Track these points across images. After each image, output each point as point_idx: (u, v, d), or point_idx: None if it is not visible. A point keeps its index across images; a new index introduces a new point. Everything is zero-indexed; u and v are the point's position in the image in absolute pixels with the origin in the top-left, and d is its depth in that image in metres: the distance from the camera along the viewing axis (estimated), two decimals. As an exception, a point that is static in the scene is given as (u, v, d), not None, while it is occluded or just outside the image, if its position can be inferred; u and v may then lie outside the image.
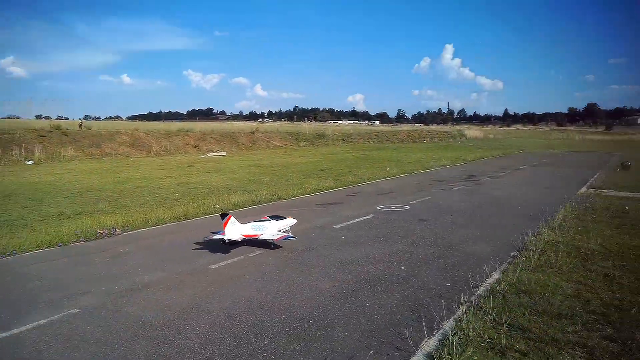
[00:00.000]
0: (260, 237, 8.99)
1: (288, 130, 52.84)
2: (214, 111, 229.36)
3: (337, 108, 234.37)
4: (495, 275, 6.98)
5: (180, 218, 12.22)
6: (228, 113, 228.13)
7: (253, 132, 46.50)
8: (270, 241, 8.95)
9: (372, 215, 12.35)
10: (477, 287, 6.48)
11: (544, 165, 28.69)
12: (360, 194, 16.51)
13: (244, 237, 8.85)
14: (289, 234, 9.28)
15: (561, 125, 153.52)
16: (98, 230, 10.28)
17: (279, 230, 9.18)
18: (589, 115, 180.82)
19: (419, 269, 7.49)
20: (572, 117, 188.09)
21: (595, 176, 21.21)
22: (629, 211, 11.66)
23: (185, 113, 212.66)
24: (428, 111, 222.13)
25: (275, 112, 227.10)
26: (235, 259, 8.30)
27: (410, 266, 7.62)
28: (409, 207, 13.58)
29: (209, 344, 5.01)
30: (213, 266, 7.93)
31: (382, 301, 6.13)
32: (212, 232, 9.64)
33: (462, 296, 5.86)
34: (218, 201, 14.62)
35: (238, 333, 5.26)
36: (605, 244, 8.31)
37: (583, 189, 16.63)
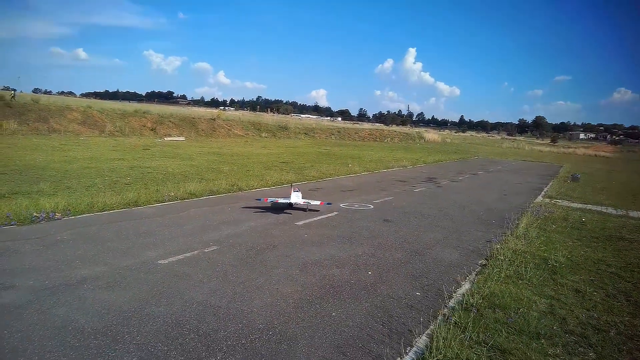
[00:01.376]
0: (311, 204, 11.94)
1: (250, 120, 51.29)
2: (174, 95, 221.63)
3: (300, 102, 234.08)
4: (467, 286, 6.68)
5: (130, 204, 11.19)
6: (189, 98, 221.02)
7: (214, 119, 44.68)
8: (315, 208, 12.01)
9: (335, 213, 11.86)
10: (449, 297, 6.12)
11: (499, 172, 29.56)
12: (323, 190, 15.99)
13: (304, 203, 11.92)
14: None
15: (511, 135, 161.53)
16: (34, 213, 9.08)
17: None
18: (537, 127, 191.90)
19: (387, 274, 7.05)
20: (521, 127, 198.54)
21: (548, 186, 21.99)
22: (585, 223, 11.92)
23: (143, 94, 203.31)
24: (388, 112, 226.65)
25: (238, 101, 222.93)
26: (187, 254, 7.51)
27: (378, 271, 7.18)
28: (372, 206, 13.23)
29: (152, 358, 4.28)
30: (162, 261, 7.11)
31: (350, 311, 5.61)
32: (272, 200, 12.17)
33: (435, 308, 5.47)
34: (173, 188, 13.61)
35: (187, 345, 4.55)
36: (571, 257, 8.27)
37: (539, 198, 17.06)
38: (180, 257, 7.40)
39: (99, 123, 34.32)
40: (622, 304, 6.12)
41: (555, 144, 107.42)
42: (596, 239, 10.21)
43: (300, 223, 10.45)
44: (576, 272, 7.41)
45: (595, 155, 70.54)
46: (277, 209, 11.88)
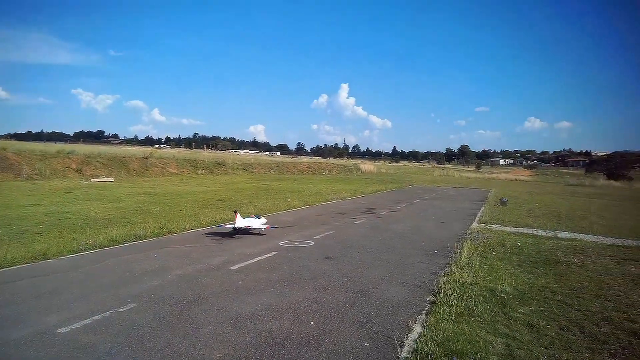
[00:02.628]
0: (254, 227, 13.49)
1: (186, 157, 49.10)
2: (105, 134, 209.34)
3: (238, 137, 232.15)
4: (418, 329, 6.11)
5: (36, 258, 9.67)
6: (121, 137, 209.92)
7: (146, 157, 42.09)
8: (259, 230, 13.64)
9: (274, 252, 11.00)
10: (400, 346, 5.50)
11: (434, 199, 30.42)
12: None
13: (246, 226, 13.31)
14: (273, 225, 14.30)
15: (440, 163, 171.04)
16: None
17: (264, 224, 13.81)
18: (462, 155, 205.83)
19: (331, 323, 6.29)
20: (449, 156, 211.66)
21: (481, 211, 22.79)
22: (522, 247, 12.11)
23: (71, 134, 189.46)
24: (325, 145, 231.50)
25: (174, 138, 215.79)
26: (97, 317, 6.29)
27: (321, 320, 6.40)
28: (313, 242, 12.54)
29: None
30: (63, 329, 5.86)
31: (291, 376, 4.77)
32: (220, 226, 14.23)
33: (386, 362, 4.80)
34: (92, 235, 12.10)
35: None
36: (516, 286, 8.07)
37: (475, 224, 17.43)
38: (87, 321, 6.16)
39: (15, 165, 30.78)
40: (578, 337, 5.86)
41: (480, 170, 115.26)
42: (535, 263, 10.28)
43: (235, 267, 9.46)
44: (525, 303, 7.17)
45: (516, 180, 76.20)
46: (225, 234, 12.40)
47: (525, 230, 15.92)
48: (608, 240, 14.21)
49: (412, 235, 14.34)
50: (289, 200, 23.77)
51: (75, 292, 7.47)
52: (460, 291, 7.58)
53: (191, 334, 5.77)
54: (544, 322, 6.24)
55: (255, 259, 10.22)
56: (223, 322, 6.23)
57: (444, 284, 8.16)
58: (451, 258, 10.79)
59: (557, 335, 5.84)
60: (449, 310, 6.61)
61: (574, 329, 6.07)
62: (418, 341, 5.53)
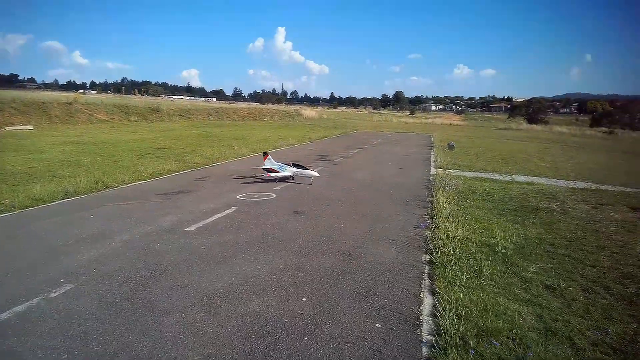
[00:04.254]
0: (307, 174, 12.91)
1: (116, 103, 43.73)
2: (19, 78, 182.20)
3: (171, 82, 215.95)
4: (428, 300, 5.27)
5: None
6: (39, 81, 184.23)
7: (70, 103, 36.69)
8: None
9: (234, 208, 9.62)
10: (417, 325, 4.62)
11: (383, 145, 30.01)
12: (212, 179, 13.44)
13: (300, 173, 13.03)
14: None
15: (376, 109, 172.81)
16: None
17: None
18: (397, 101, 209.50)
19: (328, 299, 5.22)
20: (384, 102, 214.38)
21: (433, 155, 22.67)
22: (491, 193, 11.79)
23: None
24: (263, 91, 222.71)
25: (100, 83, 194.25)
26: (19, 308, 4.77)
27: (314, 295, 5.32)
28: (274, 195, 11.28)
29: None
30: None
31: (299, 380, 3.70)
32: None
33: (412, 350, 3.88)
34: (9, 193, 10.04)
35: None
36: (510, 239, 7.46)
37: (433, 170, 17.09)
38: (5, 315, 4.56)
39: None
40: (610, 301, 5.33)
41: (414, 115, 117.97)
42: (515, 211, 9.93)
43: (193, 228, 8.02)
44: (529, 259, 6.59)
45: (450, 124, 78.78)
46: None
47: (483, 175, 15.85)
48: (564, 183, 14.50)
49: (376, 184, 13.55)
50: (236, 148, 21.93)
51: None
52: (455, 247, 6.85)
53: (153, 328, 4.43)
54: (564, 284, 5.67)
55: (214, 217, 8.81)
56: (193, 305, 4.92)
57: (434, 239, 7.41)
58: (428, 208, 10.17)
59: (586, 300, 5.27)
60: (455, 273, 5.84)
61: (600, 291, 5.56)
62: (437, 317, 4.67)
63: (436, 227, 8.21)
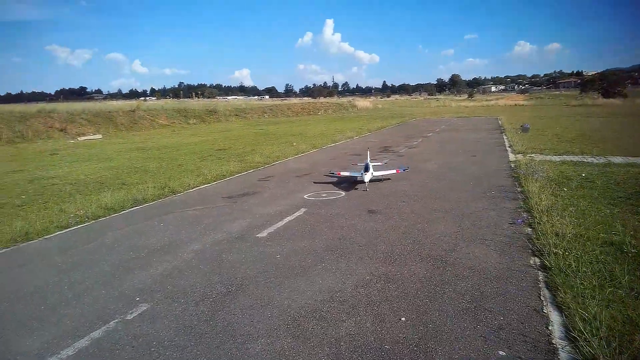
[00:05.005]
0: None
1: (175, 107, 45.63)
2: (87, 90, 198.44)
3: (224, 84, 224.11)
4: (555, 317, 4.31)
5: (17, 239, 7.84)
6: (105, 92, 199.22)
7: (133, 111, 38.82)
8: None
9: (303, 209, 9.10)
10: (552, 352, 3.72)
11: (447, 131, 28.32)
12: (275, 178, 13.09)
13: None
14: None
15: (432, 95, 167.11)
16: None
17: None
18: (454, 84, 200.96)
19: (430, 317, 4.45)
20: (440, 87, 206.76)
21: (506, 140, 20.86)
22: (591, 180, 10.28)
23: (53, 93, 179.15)
24: (314, 85, 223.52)
25: (159, 89, 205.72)
26: (97, 333, 4.42)
27: (413, 312, 4.56)
28: (343, 193, 10.64)
29: None
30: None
31: None
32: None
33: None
34: (83, 204, 10.22)
35: None
36: (636, 235, 6.22)
37: (511, 156, 15.54)
38: (85, 342, 4.29)
39: (-7, 130, 27.90)
40: None
41: (473, 98, 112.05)
42: (629, 199, 8.47)
43: (264, 234, 7.57)
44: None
45: (515, 105, 73.68)
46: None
47: (573, 158, 14.10)
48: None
49: (451, 174, 12.44)
50: (294, 144, 21.60)
51: (63, 291, 5.57)
52: (570, 248, 5.76)
53: (238, 357, 3.92)
54: None
55: (284, 221, 8.33)
56: (278, 328, 4.37)
57: (539, 237, 6.36)
58: (519, 200, 9.00)
59: None
60: (581, 281, 4.81)
61: None
62: (576, 341, 3.74)
63: (537, 222, 7.10)
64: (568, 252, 5.61)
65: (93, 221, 9.08)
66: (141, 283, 5.75)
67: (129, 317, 4.82)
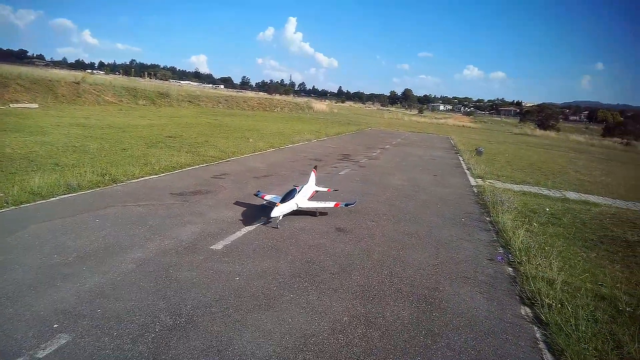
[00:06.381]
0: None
1: (124, 85, 41.92)
2: (28, 54, 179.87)
3: (179, 67, 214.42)
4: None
5: None
6: (48, 58, 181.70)
7: (78, 82, 34.96)
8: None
9: (264, 218, 8.09)
10: None
11: (403, 145, 28.33)
12: (231, 177, 11.92)
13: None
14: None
15: (384, 106, 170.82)
16: None
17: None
18: (405, 98, 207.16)
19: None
20: (392, 99, 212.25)
21: (463, 161, 21.06)
22: (557, 216, 10.20)
23: None
24: (271, 80, 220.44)
25: (109, 64, 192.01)
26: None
27: (406, 373, 3.80)
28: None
29: None
30: None
31: None
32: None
33: None
34: (3, 184, 8.61)
35: None
36: (621, 287, 5.89)
37: (471, 179, 15.49)
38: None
39: None
40: None
41: (423, 114, 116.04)
42: (601, 243, 8.34)
43: (220, 246, 6.53)
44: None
45: (463, 126, 76.83)
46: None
47: (530, 189, 14.27)
48: (624, 204, 12.95)
49: (417, 194, 11.98)
50: (251, 141, 20.38)
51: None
52: (562, 299, 5.31)
53: None
54: None
55: (243, 231, 7.32)
56: (241, 389, 3.40)
57: (524, 282, 5.90)
58: (490, 231, 8.64)
59: None
60: (586, 346, 4.30)
61: None
62: None
63: (518, 262, 6.68)
64: (562, 305, 5.14)
65: (13, 207, 7.51)
66: (64, 301, 4.52)
67: (40, 354, 3.63)
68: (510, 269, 6.61)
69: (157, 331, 4.12)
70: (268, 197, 8.82)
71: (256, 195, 9.08)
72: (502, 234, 8.23)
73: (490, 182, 14.72)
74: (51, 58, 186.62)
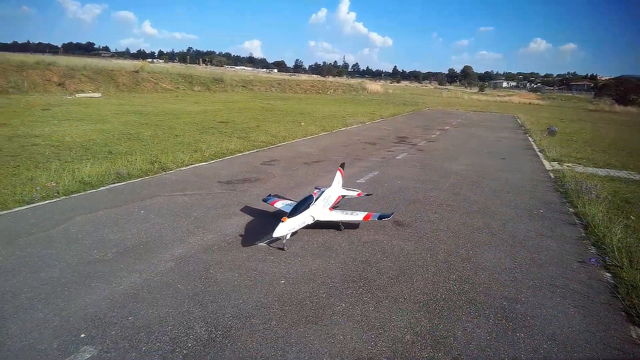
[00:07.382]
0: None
1: (180, 72, 43.11)
2: (95, 46, 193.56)
3: (233, 53, 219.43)
4: None
5: None
6: (112, 50, 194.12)
7: (137, 71, 36.44)
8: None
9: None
10: None
11: (465, 126, 26.43)
12: (281, 163, 11.43)
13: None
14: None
15: (442, 84, 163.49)
16: None
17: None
18: (465, 76, 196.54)
19: None
20: (451, 77, 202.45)
21: (533, 142, 19.11)
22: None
23: (59, 46, 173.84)
24: (324, 63, 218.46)
25: (167, 52, 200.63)
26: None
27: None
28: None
29: None
30: None
31: None
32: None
33: None
34: (57, 173, 8.77)
35: None
36: None
37: (546, 164, 13.83)
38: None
39: (-15, 78, 25.79)
40: None
41: (484, 92, 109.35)
42: None
43: (265, 242, 5.96)
44: None
45: (530, 103, 71.35)
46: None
47: (618, 174, 12.44)
48: None
49: (483, 181, 10.77)
50: (303, 124, 19.81)
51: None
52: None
53: None
54: None
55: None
56: None
57: (632, 290, 4.78)
58: (576, 226, 7.41)
59: None
60: None
61: None
62: None
63: (617, 265, 5.50)
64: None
65: (64, 197, 7.50)
66: (95, 306, 4.17)
67: (60, 368, 3.25)
68: (608, 274, 5.46)
69: (190, 347, 3.63)
70: (279, 203, 7.03)
71: (265, 201, 7.28)
72: (591, 229, 6.99)
73: (569, 166, 13.04)
74: (115, 49, 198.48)
